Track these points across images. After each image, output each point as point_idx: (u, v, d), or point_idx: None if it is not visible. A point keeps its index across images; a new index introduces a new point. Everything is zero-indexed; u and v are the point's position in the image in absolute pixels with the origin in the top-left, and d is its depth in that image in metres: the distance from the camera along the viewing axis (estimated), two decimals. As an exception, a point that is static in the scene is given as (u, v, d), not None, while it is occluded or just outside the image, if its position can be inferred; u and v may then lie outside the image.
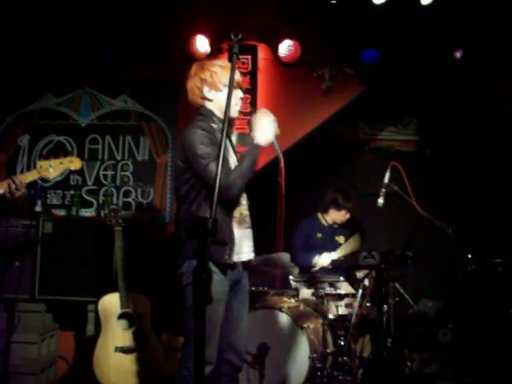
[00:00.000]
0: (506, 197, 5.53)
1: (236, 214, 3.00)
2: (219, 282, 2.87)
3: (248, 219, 3.10)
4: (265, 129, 2.93)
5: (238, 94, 3.07)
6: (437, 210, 4.41)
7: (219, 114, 3.05)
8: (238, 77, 3.04)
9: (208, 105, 3.07)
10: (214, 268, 2.84)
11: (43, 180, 5.08)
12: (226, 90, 2.96)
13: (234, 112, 3.06)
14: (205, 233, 2.15)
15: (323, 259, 4.80)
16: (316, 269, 4.78)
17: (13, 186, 3.21)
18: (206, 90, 3.05)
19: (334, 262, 4.62)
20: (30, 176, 3.36)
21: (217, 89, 3.04)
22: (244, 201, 3.09)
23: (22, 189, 3.27)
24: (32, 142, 5.24)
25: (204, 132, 2.92)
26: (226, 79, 2.98)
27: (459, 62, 5.06)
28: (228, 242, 2.91)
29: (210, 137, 2.91)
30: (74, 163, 3.44)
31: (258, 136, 2.92)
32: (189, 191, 2.94)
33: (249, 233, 3.11)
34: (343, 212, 5.07)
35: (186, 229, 2.91)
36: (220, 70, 3.04)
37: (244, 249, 3.04)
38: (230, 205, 2.95)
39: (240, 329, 3.09)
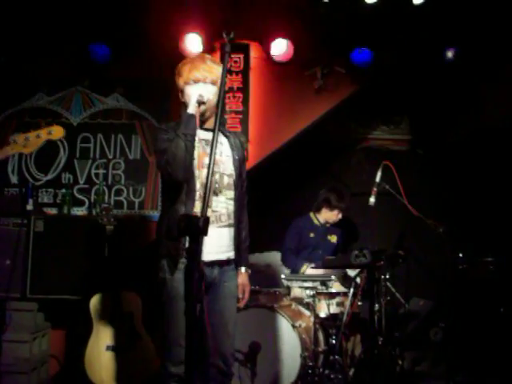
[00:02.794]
0: (498, 196, 5.56)
1: (197, 209, 2.86)
2: (175, 279, 2.85)
3: (226, 218, 2.98)
4: (189, 98, 2.92)
5: (194, 89, 2.94)
6: (428, 209, 4.44)
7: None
8: (198, 72, 2.96)
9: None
10: (169, 264, 2.88)
11: (35, 179, 5.08)
12: (186, 88, 2.97)
13: (191, 107, 2.90)
14: (196, 231, 2.16)
15: (309, 271, 4.79)
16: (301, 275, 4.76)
17: None
18: (180, 95, 3.07)
19: (325, 261, 4.62)
20: (2, 153, 2.98)
21: (182, 91, 3.05)
22: (222, 197, 2.98)
23: None
24: (23, 140, 5.21)
25: (163, 127, 2.99)
26: (183, 78, 2.99)
27: (451, 61, 5.08)
28: (180, 238, 2.85)
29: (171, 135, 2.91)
30: (55, 132, 3.01)
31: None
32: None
33: (226, 232, 2.99)
34: (336, 212, 5.08)
35: (178, 227, 2.89)
36: (180, 68, 3.02)
37: (212, 248, 2.87)
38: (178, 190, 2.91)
39: (225, 334, 2.99)
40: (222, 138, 3.09)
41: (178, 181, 2.87)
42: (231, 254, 3.03)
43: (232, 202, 3.03)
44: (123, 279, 4.23)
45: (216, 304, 2.99)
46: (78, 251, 4.50)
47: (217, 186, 2.96)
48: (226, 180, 3.01)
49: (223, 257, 2.98)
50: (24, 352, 4.36)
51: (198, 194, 2.90)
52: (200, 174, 2.93)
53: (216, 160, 2.85)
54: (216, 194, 2.95)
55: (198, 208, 2.87)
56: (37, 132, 2.98)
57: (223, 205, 2.98)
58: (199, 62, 3.00)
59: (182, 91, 3.02)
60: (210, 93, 2.96)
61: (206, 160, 2.89)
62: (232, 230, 3.03)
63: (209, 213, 2.83)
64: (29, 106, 5.26)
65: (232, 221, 3.02)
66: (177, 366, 2.83)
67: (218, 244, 2.94)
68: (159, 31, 5.15)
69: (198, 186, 2.91)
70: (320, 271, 4.74)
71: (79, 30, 5.10)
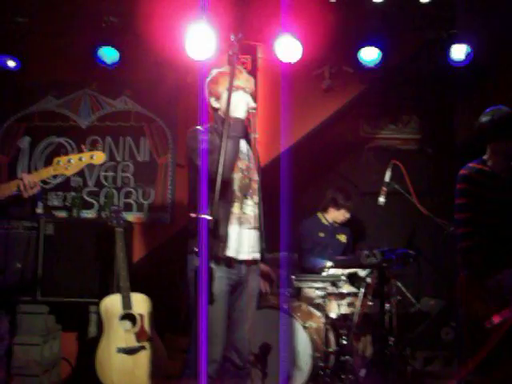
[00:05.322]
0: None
1: (235, 210, 3.03)
2: (217, 279, 2.87)
3: (254, 221, 3.11)
4: (237, 103, 3.01)
5: (240, 95, 3.07)
6: (438, 208, 4.41)
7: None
8: (241, 82, 3.09)
9: (218, 112, 3.17)
10: (212, 265, 2.85)
11: (44, 182, 5.09)
12: (225, 94, 3.03)
13: (240, 112, 3.04)
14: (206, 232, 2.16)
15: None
16: (327, 272, 4.76)
17: (22, 185, 3.02)
18: (212, 100, 3.18)
19: (336, 261, 4.61)
20: (45, 173, 3.16)
21: (219, 97, 3.15)
22: (250, 201, 3.11)
23: (36, 187, 3.06)
24: (32, 143, 5.25)
25: (199, 128, 3.03)
26: (223, 86, 3.09)
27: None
28: (222, 236, 2.93)
29: (211, 137, 2.99)
30: (97, 157, 3.13)
31: (233, 112, 2.97)
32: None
33: (253, 234, 3.12)
34: (343, 211, 5.06)
35: (188, 229, 2.93)
36: (219, 77, 3.14)
37: (244, 248, 3.05)
38: (226, 193, 2.98)
39: (242, 330, 3.11)
40: (248, 147, 3.23)
41: (224, 180, 2.95)
42: (256, 255, 3.15)
43: (257, 207, 3.18)
44: (133, 281, 4.23)
45: (240, 301, 3.11)
46: (87, 254, 4.50)
47: (250, 190, 3.12)
48: (253, 185, 3.16)
49: (250, 257, 3.10)
50: (35, 355, 4.37)
51: (235, 195, 3.05)
52: (236, 177, 3.07)
53: (248, 166, 3.14)
54: (247, 197, 3.10)
55: (236, 208, 3.03)
56: (79, 155, 3.11)
57: (251, 208, 3.11)
58: (238, 72, 3.11)
59: (219, 97, 3.14)
60: (250, 102, 3.13)
61: (239, 164, 3.08)
62: (258, 232, 3.16)
63: (240, 215, 3.04)
64: (37, 110, 5.29)
65: (257, 224, 3.15)
66: (208, 365, 2.85)
67: (247, 244, 3.08)
68: (166, 33, 5.16)
69: (236, 187, 3.06)
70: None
71: (87, 33, 5.12)
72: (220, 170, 2.40)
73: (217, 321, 2.90)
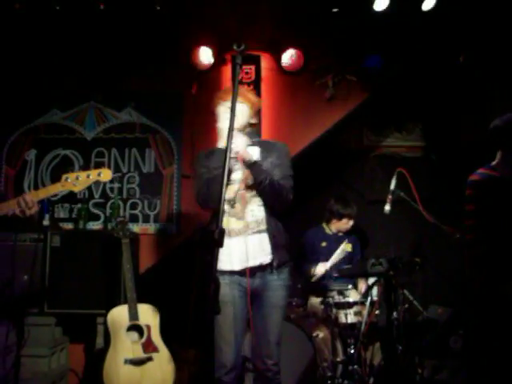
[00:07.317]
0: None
1: (225, 224, 3.01)
2: (223, 285, 2.88)
3: (254, 225, 3.09)
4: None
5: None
6: (444, 216, 4.40)
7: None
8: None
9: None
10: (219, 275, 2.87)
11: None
12: (221, 116, 3.16)
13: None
14: (212, 243, 2.16)
15: (319, 268, 4.75)
16: (314, 279, 4.73)
17: (22, 204, 3.07)
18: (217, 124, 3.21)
19: (341, 270, 4.59)
20: (53, 189, 3.23)
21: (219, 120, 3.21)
22: (252, 206, 3.11)
23: (35, 206, 3.12)
24: (39, 156, 5.27)
25: (203, 152, 3.22)
26: (220, 107, 3.19)
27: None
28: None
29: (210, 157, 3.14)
30: (104, 175, 3.22)
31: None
32: None
33: (257, 239, 3.09)
34: (345, 220, 5.03)
35: (193, 240, 2.95)
36: (217, 101, 3.20)
37: (249, 255, 3.04)
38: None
39: (266, 341, 3.09)
40: None
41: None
42: (262, 261, 3.09)
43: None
44: (140, 292, 4.24)
45: (258, 313, 3.09)
46: (94, 265, 4.51)
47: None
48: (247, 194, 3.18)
49: (257, 262, 3.07)
50: (43, 366, 4.38)
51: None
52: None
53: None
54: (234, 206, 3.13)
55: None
56: (87, 172, 3.20)
57: (252, 213, 3.13)
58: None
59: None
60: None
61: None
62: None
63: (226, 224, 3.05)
64: (43, 123, 5.32)
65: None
66: (217, 370, 2.93)
67: (253, 250, 3.08)
68: (171, 44, 5.20)
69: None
70: (327, 265, 4.71)
71: (90, 44, 5.17)
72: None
73: (227, 327, 2.93)
